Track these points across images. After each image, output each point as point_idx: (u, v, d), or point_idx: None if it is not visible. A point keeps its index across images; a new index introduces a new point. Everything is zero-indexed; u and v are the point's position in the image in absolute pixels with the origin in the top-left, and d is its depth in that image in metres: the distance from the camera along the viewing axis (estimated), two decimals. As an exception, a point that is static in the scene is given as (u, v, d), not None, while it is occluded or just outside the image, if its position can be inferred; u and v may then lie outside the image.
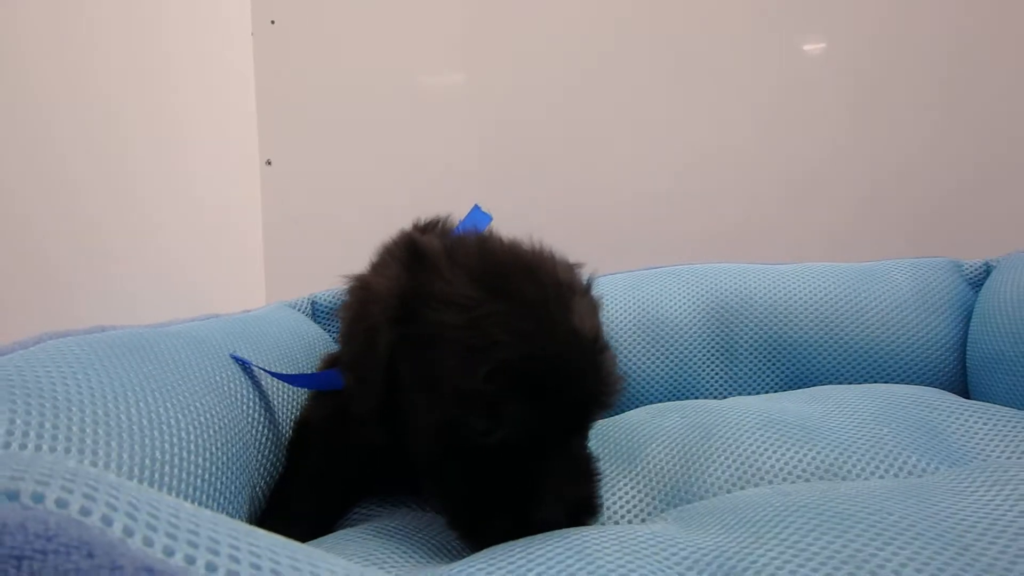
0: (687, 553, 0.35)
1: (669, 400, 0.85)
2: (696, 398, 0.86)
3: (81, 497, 0.17)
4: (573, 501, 0.44)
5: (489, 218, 0.66)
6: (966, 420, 0.63)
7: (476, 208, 0.65)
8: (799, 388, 0.83)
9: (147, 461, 0.32)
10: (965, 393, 0.80)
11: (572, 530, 0.39)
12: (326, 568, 0.20)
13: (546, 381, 0.42)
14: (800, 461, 0.57)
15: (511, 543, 0.37)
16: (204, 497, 0.37)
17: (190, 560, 0.17)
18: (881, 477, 0.54)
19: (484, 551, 0.37)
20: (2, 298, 0.89)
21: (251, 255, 1.57)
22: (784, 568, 0.31)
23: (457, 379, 0.42)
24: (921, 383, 0.81)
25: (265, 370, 0.58)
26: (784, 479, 0.55)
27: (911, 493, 0.39)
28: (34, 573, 0.15)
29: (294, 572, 0.18)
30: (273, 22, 1.55)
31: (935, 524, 0.34)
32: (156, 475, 0.32)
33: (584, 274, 0.54)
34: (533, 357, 0.42)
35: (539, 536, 0.38)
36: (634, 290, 0.92)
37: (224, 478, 0.41)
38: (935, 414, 0.64)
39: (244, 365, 0.57)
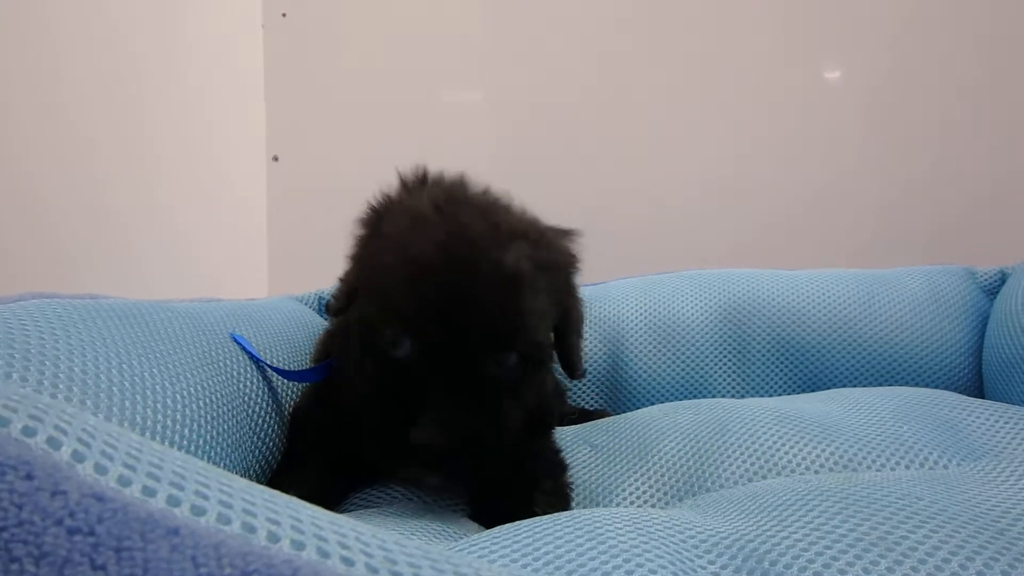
0: (705, 536, 0.32)
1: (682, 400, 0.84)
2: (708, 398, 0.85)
3: (26, 418, 0.15)
4: (452, 426, 0.42)
5: None
6: (985, 419, 0.62)
7: None
8: (812, 391, 0.83)
9: (126, 425, 0.30)
10: (981, 398, 0.78)
11: (583, 510, 0.36)
12: (309, 516, 0.17)
13: (421, 310, 0.43)
14: (819, 456, 0.55)
15: (516, 523, 0.35)
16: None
17: (149, 492, 0.15)
18: (902, 471, 0.51)
19: (489, 531, 0.35)
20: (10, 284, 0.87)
21: (255, 250, 1.56)
22: (810, 550, 0.29)
23: (372, 284, 0.46)
24: (936, 387, 0.80)
25: (257, 358, 0.56)
26: (802, 473, 0.53)
27: (938, 481, 0.37)
28: (-39, 492, 0.13)
29: (269, 511, 0.16)
30: (284, 15, 1.53)
31: (967, 509, 0.31)
32: (136, 437, 0.30)
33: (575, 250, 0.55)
34: (415, 282, 0.43)
35: (548, 516, 0.36)
36: (647, 293, 0.92)
37: (213, 453, 0.39)
38: (954, 413, 0.63)
39: (244, 347, 0.55)
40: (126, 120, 1.15)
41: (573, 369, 0.54)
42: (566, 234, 0.55)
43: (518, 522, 0.36)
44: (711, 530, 0.33)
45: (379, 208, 0.52)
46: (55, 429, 0.15)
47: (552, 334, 0.52)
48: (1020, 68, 1.36)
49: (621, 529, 0.33)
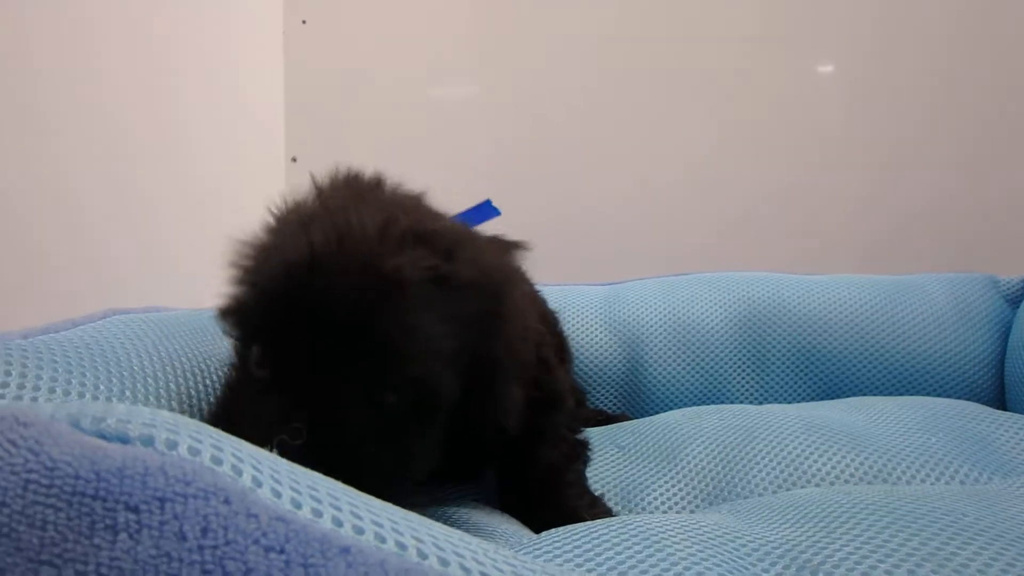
0: (756, 545, 0.34)
1: (701, 404, 0.85)
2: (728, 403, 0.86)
3: (210, 447, 0.17)
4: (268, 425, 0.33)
5: (496, 213, 0.61)
6: (1013, 432, 0.62)
7: (487, 202, 0.60)
8: (832, 398, 0.83)
9: (216, 435, 0.32)
10: (1003, 409, 0.79)
11: (634, 516, 0.38)
12: (443, 535, 0.19)
13: (274, 321, 0.35)
14: (848, 465, 0.56)
15: (570, 528, 0.37)
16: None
17: (317, 514, 0.17)
18: (933, 484, 0.53)
19: (547, 534, 0.37)
20: (8, 295, 0.88)
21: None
22: (863, 563, 0.30)
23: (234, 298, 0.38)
24: (957, 398, 0.81)
25: None
26: (832, 483, 0.55)
27: (979, 498, 0.38)
28: (177, 516, 0.15)
29: (411, 531, 0.18)
30: (304, 22, 1.56)
31: (1014, 527, 0.33)
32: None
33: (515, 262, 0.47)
34: (251, 294, 0.37)
35: (601, 522, 0.37)
36: (666, 295, 0.93)
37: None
38: (981, 425, 0.64)
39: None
40: (148, 124, 1.17)
41: (496, 425, 0.42)
42: (507, 247, 0.46)
43: (571, 526, 0.38)
44: (761, 538, 0.35)
45: (277, 215, 0.44)
46: (234, 457, 0.17)
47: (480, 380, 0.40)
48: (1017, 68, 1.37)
49: (675, 536, 0.35)
